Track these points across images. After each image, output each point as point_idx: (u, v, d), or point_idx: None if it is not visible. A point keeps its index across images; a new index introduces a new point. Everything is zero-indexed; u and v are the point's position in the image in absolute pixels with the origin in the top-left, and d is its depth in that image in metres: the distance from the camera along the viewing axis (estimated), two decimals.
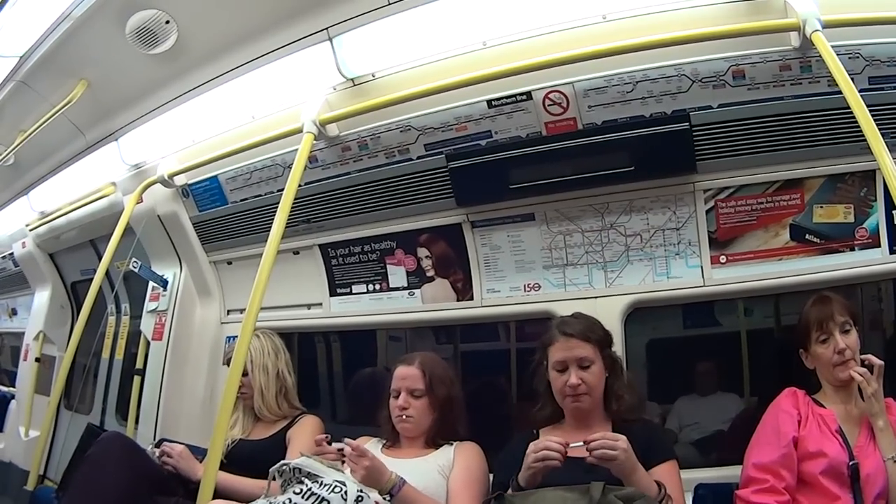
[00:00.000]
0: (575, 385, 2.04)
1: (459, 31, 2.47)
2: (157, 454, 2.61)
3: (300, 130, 2.64)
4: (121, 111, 3.45)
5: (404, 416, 2.30)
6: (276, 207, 2.43)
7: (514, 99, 2.45)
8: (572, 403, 2.08)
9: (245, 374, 2.71)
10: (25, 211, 4.84)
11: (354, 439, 2.40)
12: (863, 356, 1.93)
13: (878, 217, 2.26)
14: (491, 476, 2.22)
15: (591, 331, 2.12)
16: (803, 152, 2.26)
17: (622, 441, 1.79)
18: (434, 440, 2.32)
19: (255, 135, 2.94)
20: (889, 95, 2.13)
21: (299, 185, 2.51)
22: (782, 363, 2.22)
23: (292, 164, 2.52)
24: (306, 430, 2.67)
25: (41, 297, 5.05)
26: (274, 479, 2.06)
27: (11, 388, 5.37)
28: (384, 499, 1.95)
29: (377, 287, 3.05)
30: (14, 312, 6.09)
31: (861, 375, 1.88)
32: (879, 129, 1.80)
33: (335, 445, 2.03)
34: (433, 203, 2.77)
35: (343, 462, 2.03)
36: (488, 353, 3.15)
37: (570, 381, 2.04)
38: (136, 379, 3.58)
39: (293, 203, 2.45)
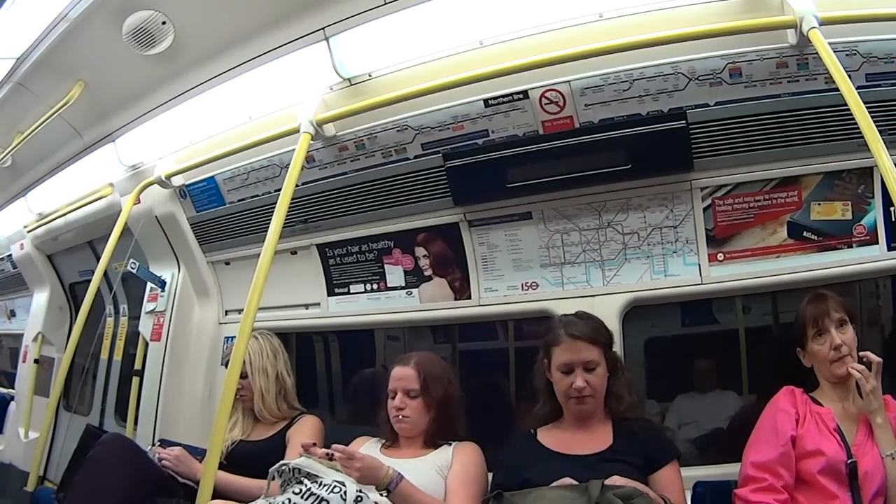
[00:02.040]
0: (581, 388, 2.03)
1: (456, 30, 2.47)
2: (154, 454, 2.62)
3: (297, 130, 2.64)
4: (118, 112, 3.45)
5: (401, 417, 2.30)
6: (274, 207, 2.42)
7: (510, 98, 2.45)
8: (577, 406, 2.08)
9: (244, 376, 2.71)
10: (23, 213, 4.84)
11: (353, 439, 2.43)
12: (861, 353, 1.93)
13: (875, 214, 2.26)
14: (490, 475, 2.22)
15: (597, 333, 2.11)
16: (801, 149, 2.26)
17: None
18: (433, 440, 2.32)
19: (252, 135, 2.94)
20: (886, 92, 2.13)
21: (296, 185, 2.51)
22: (780, 361, 2.21)
23: (289, 164, 2.52)
24: (305, 430, 2.67)
25: (39, 299, 5.06)
26: (273, 479, 2.07)
27: (10, 390, 5.37)
28: (382, 494, 1.95)
29: (375, 287, 3.05)
30: (13, 314, 6.08)
31: (859, 372, 1.88)
32: (877, 126, 1.80)
33: (323, 450, 2.03)
34: (430, 202, 2.77)
35: (331, 459, 2.03)
36: (486, 352, 3.15)
37: (575, 384, 2.04)
38: (135, 380, 3.58)
39: (290, 203, 2.45)
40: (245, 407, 2.81)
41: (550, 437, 2.15)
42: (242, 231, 3.33)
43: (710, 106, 2.28)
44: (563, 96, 2.38)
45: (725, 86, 2.23)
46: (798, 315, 2.08)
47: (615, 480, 1.82)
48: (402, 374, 2.34)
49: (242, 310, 2.31)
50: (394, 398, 2.32)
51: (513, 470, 2.06)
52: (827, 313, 1.99)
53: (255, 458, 2.54)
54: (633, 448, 2.01)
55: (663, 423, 2.58)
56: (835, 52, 1.93)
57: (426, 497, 2.04)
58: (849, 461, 1.84)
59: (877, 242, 2.27)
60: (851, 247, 2.29)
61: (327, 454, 2.00)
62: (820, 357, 2.01)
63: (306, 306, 3.27)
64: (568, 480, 1.87)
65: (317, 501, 1.85)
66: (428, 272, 2.90)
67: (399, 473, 1.99)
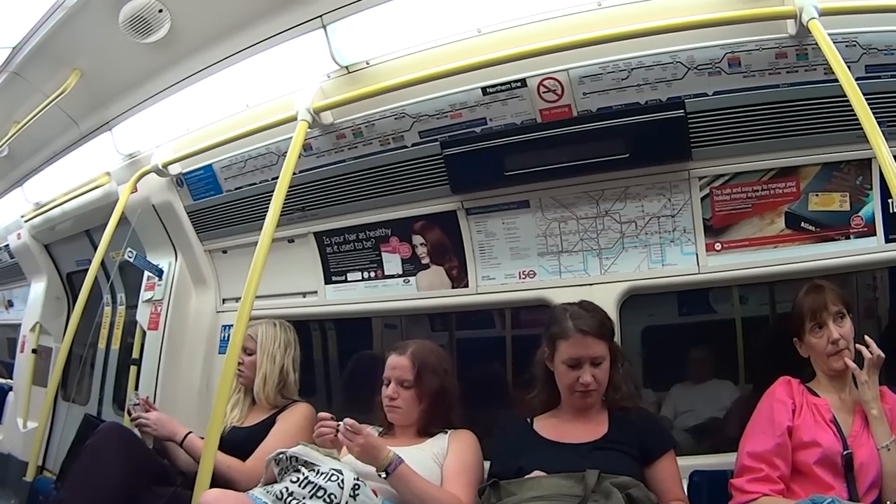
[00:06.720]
0: (588, 383, 2.02)
1: (454, 17, 2.45)
2: (135, 403, 2.68)
3: (294, 118, 2.63)
4: (114, 101, 3.44)
5: (392, 406, 2.31)
6: (271, 196, 2.42)
7: (508, 86, 2.44)
8: (581, 399, 2.07)
9: (251, 353, 2.75)
10: (20, 202, 4.82)
11: None
12: (858, 346, 1.92)
13: (873, 206, 2.26)
14: (487, 464, 2.22)
15: (604, 326, 2.10)
16: (799, 140, 2.26)
17: None
18: (427, 429, 2.33)
19: (250, 123, 2.93)
20: (886, 84, 2.12)
21: (294, 173, 2.50)
22: (777, 351, 2.22)
23: (287, 152, 2.50)
24: (294, 415, 2.68)
25: (37, 289, 5.05)
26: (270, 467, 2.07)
27: (9, 380, 5.36)
28: (381, 476, 1.97)
29: (372, 275, 3.05)
30: (10, 304, 6.08)
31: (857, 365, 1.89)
32: (876, 118, 1.79)
33: (333, 422, 2.05)
34: (428, 190, 2.77)
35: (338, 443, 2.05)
36: (483, 341, 3.16)
37: (583, 380, 2.03)
38: (133, 369, 3.57)
39: (288, 191, 2.44)
40: (244, 389, 2.83)
41: (546, 426, 2.16)
42: (240, 219, 3.33)
43: (708, 95, 2.27)
44: (561, 85, 2.37)
45: (724, 75, 2.22)
46: (795, 306, 2.08)
47: None
48: (397, 364, 2.34)
49: (240, 298, 2.31)
50: (387, 386, 2.33)
51: (508, 458, 2.07)
52: (825, 307, 1.99)
53: (243, 443, 2.57)
54: (628, 437, 2.01)
55: (660, 412, 2.59)
56: (834, 43, 1.91)
57: (424, 481, 2.05)
58: (845, 452, 1.84)
59: (874, 234, 2.27)
60: (849, 238, 2.29)
61: (337, 426, 2.03)
62: (817, 350, 2.01)
63: (303, 294, 3.27)
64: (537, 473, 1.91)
65: (314, 489, 1.86)
66: (425, 260, 2.90)
67: (399, 456, 2.00)
